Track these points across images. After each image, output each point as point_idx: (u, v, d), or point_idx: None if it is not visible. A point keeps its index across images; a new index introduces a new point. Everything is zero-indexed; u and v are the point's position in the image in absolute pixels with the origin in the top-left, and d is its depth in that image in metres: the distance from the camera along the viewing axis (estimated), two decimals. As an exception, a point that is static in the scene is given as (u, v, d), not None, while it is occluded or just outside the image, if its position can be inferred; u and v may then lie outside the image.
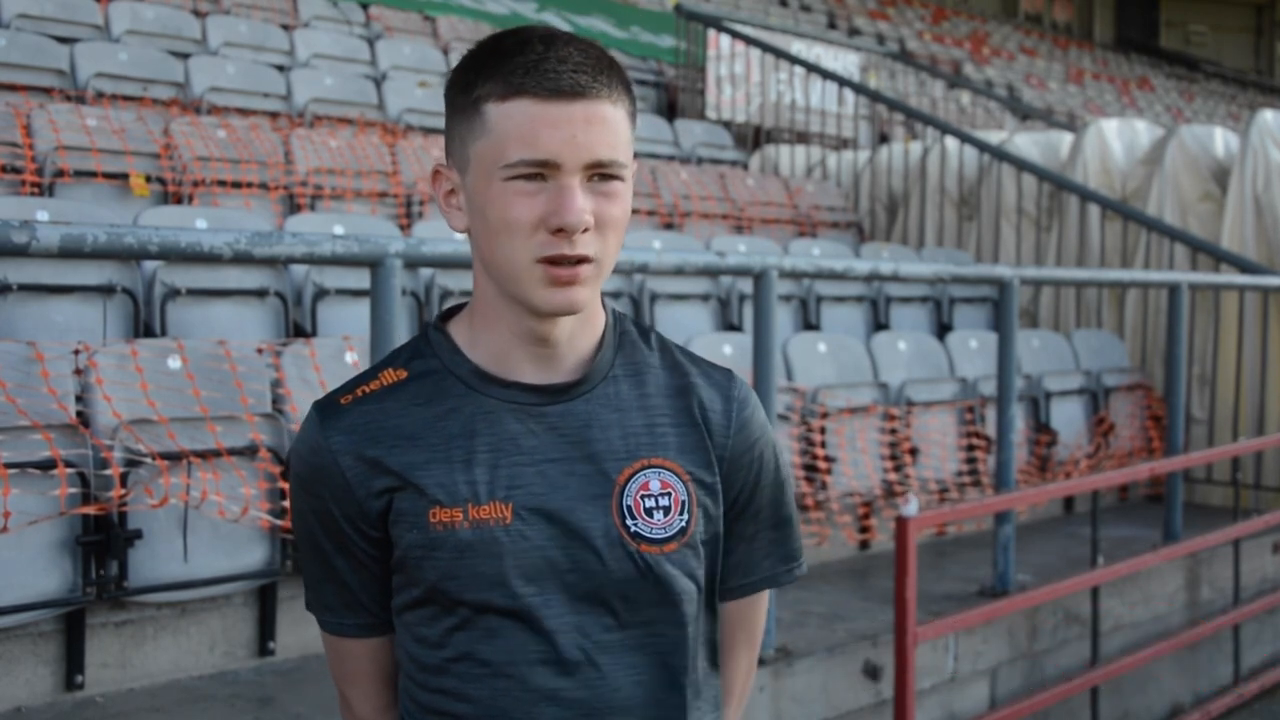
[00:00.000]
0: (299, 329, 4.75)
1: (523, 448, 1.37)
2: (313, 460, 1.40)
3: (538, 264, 1.32)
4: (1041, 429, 6.13)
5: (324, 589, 1.45)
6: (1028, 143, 8.45)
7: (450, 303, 4.57)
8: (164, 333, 4.32)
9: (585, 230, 1.31)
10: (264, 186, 5.72)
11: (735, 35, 9.81)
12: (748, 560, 1.51)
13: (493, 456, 1.36)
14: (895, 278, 4.52)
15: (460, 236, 1.40)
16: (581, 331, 1.41)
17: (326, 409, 1.41)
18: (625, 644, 1.38)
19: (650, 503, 1.38)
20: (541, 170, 1.30)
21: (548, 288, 1.32)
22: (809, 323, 6.57)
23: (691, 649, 1.42)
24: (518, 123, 1.30)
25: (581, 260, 1.32)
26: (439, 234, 5.22)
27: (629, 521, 1.37)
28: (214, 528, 3.52)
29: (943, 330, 7.00)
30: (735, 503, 1.47)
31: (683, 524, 1.40)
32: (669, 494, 1.39)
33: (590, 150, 1.31)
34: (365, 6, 9.71)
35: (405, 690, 1.43)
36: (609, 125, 1.32)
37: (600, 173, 1.32)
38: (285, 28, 8.43)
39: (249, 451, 3.57)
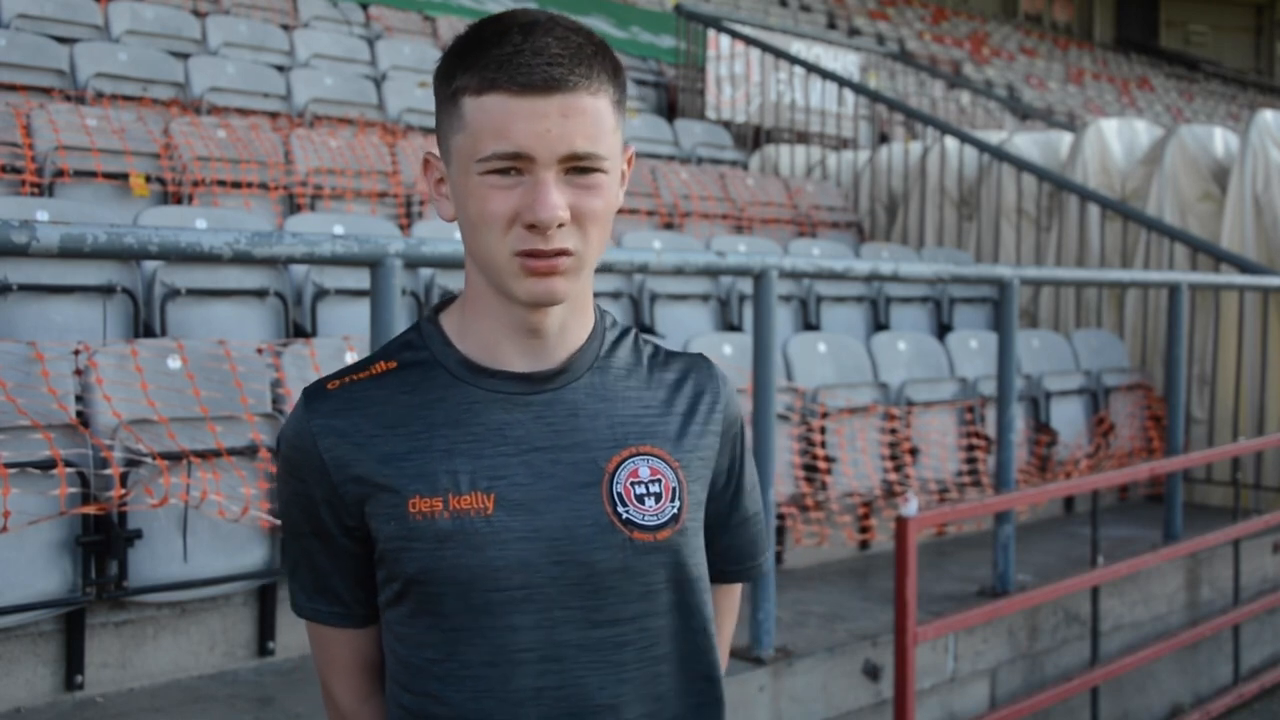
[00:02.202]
0: (299, 329, 4.75)
1: (508, 438, 1.35)
2: (296, 443, 1.39)
3: (515, 257, 1.31)
4: (1041, 429, 6.13)
5: (300, 571, 1.45)
6: (1028, 143, 8.45)
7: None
8: (164, 333, 4.32)
9: (561, 225, 1.30)
10: (264, 186, 5.72)
11: (735, 35, 9.81)
12: (744, 544, 1.54)
13: (476, 447, 1.35)
14: (895, 278, 4.52)
15: (459, 235, 1.40)
16: (573, 323, 1.40)
17: (313, 394, 1.41)
18: (613, 639, 1.35)
19: (641, 489, 1.37)
20: (515, 164, 1.29)
21: (526, 279, 1.31)
22: (809, 323, 6.57)
23: (681, 643, 1.40)
24: (491, 117, 1.29)
25: (560, 254, 1.31)
26: (439, 234, 5.22)
27: (620, 509, 1.35)
28: (214, 528, 3.52)
29: (943, 330, 7.00)
30: (728, 481, 1.49)
31: (674, 511, 1.38)
32: (659, 480, 1.38)
33: (566, 143, 1.29)
34: (365, 6, 9.72)
35: (391, 694, 1.41)
36: (587, 116, 1.30)
37: (578, 165, 1.30)
38: (285, 28, 8.44)
39: (249, 451, 3.57)
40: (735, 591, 1.62)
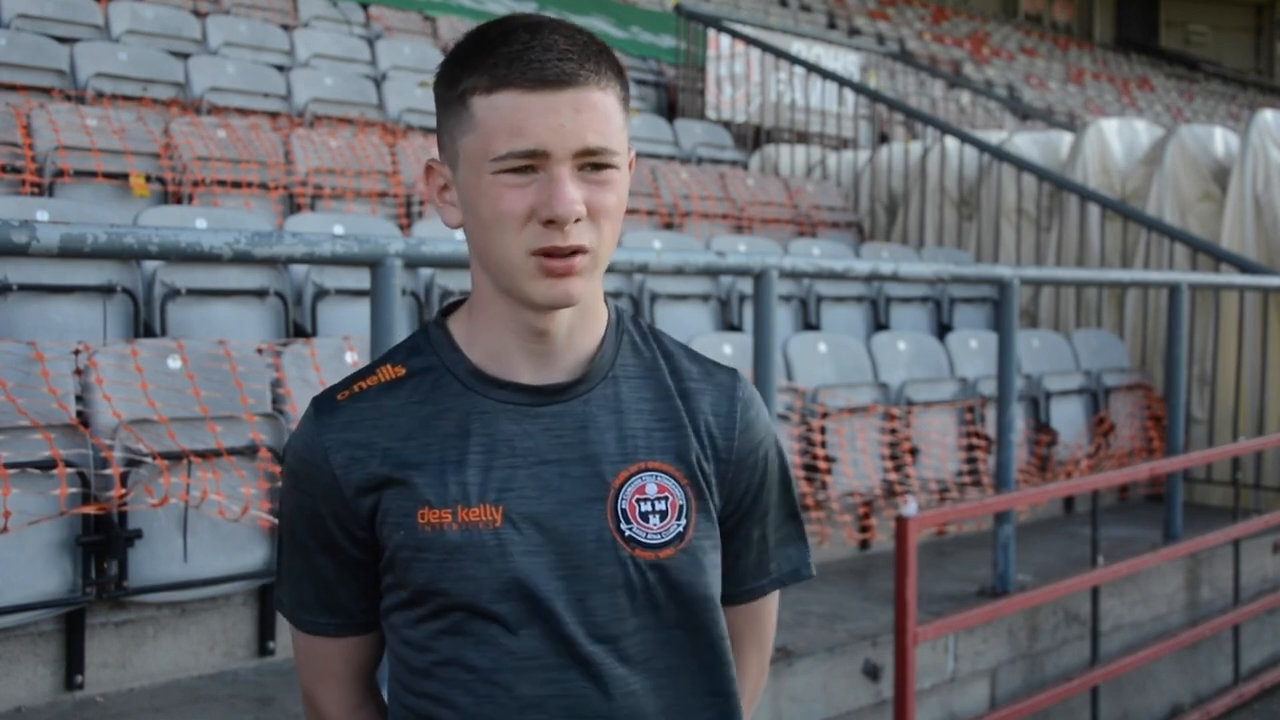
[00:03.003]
0: (299, 329, 4.75)
1: (517, 449, 1.34)
2: (306, 457, 1.38)
3: (531, 256, 1.29)
4: (1041, 429, 6.13)
5: (302, 587, 1.44)
6: (1028, 143, 8.45)
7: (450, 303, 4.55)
8: (164, 333, 4.32)
9: (578, 220, 1.29)
10: (264, 186, 5.72)
11: (735, 35, 9.81)
12: (756, 563, 1.49)
13: (486, 458, 1.34)
14: (895, 278, 4.52)
15: (460, 235, 1.39)
16: (581, 328, 1.38)
17: (323, 406, 1.39)
18: (616, 653, 1.34)
19: (646, 507, 1.35)
20: (531, 161, 1.28)
21: (542, 280, 1.30)
22: (809, 323, 6.57)
23: (687, 658, 1.39)
24: (504, 115, 1.28)
25: (576, 251, 1.29)
26: (439, 234, 5.22)
27: (623, 526, 1.34)
28: (214, 528, 3.52)
29: (943, 330, 7.01)
30: (740, 504, 1.44)
31: (680, 529, 1.36)
32: (666, 498, 1.36)
33: (580, 137, 1.28)
34: (365, 6, 9.71)
35: (393, 694, 1.41)
36: (599, 112, 1.29)
37: (592, 161, 1.30)
38: (285, 28, 8.44)
39: (249, 451, 3.57)
40: (759, 610, 1.53)
